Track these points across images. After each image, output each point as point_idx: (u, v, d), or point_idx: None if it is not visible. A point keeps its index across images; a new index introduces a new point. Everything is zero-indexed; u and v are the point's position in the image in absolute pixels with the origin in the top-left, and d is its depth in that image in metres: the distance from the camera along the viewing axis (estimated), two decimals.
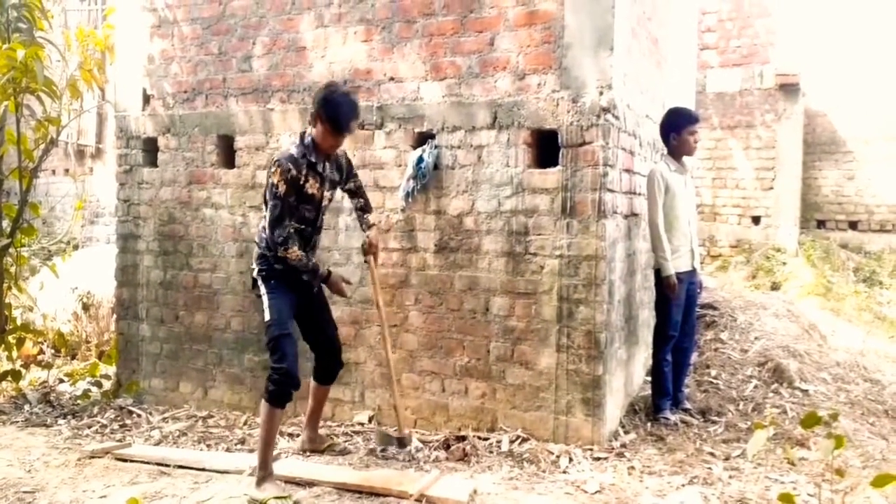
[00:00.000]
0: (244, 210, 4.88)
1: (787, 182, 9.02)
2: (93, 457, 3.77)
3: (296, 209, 3.46)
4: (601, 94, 3.85)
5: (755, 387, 4.53)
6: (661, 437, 3.98)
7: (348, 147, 4.52)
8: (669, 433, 4.03)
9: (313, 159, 3.47)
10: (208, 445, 4.23)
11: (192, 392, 5.05)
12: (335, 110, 3.38)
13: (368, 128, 4.45)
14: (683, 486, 3.30)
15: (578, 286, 3.91)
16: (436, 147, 4.22)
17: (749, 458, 3.36)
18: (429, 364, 4.29)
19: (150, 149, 5.26)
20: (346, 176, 3.80)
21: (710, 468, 3.48)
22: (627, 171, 4.30)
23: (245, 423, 4.61)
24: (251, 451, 4.08)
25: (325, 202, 3.63)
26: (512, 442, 3.91)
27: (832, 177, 9.73)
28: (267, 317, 3.46)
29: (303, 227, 3.52)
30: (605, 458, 3.70)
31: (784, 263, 8.14)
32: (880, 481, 2.51)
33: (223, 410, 4.86)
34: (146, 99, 5.28)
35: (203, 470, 3.56)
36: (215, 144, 4.99)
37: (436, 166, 4.22)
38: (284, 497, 3.07)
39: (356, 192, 3.92)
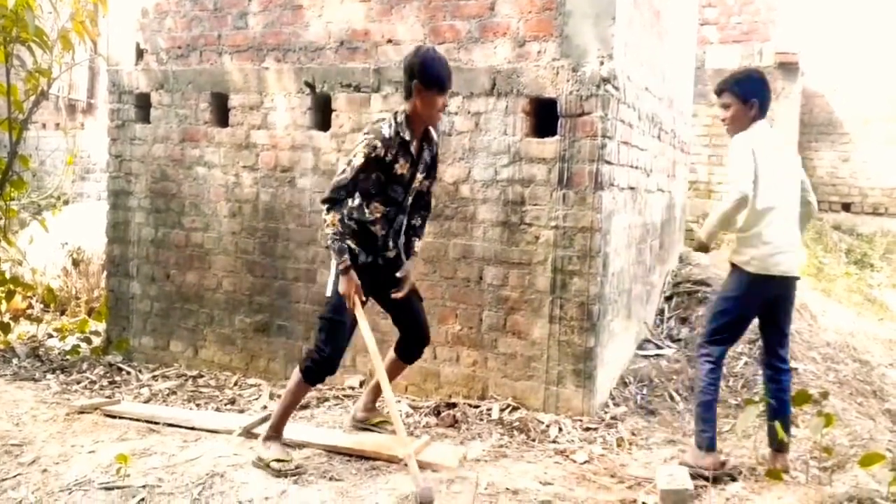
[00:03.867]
0: (237, 170, 4.81)
1: None
2: (81, 412, 3.76)
3: (383, 189, 3.16)
4: (602, 63, 3.80)
5: (745, 363, 4.56)
6: (652, 410, 4.01)
7: (344, 109, 4.46)
8: (659, 407, 4.06)
9: (407, 137, 3.14)
10: (198, 405, 4.23)
11: (182, 351, 5.04)
12: (434, 68, 3.08)
13: (365, 90, 4.38)
14: (672, 458, 3.33)
15: (573, 258, 3.90)
16: None
17: (738, 433, 3.39)
18: None
19: (143, 104, 5.17)
20: (430, 168, 3.34)
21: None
22: (626, 143, 4.25)
23: (235, 384, 4.61)
24: (241, 411, 4.09)
25: (415, 184, 3.25)
26: (502, 410, 3.93)
27: (827, 158, 9.72)
28: (328, 293, 3.23)
29: (388, 208, 3.21)
30: (595, 429, 3.72)
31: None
32: (867, 460, 2.55)
33: (213, 370, 4.85)
34: (139, 53, 5.17)
35: (192, 429, 3.55)
36: (209, 102, 4.91)
37: None
38: (287, 460, 3.05)
39: (421, 198, 3.36)
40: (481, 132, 4.11)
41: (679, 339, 4.93)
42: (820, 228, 9.02)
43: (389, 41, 4.33)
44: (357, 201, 3.19)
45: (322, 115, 4.60)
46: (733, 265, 3.22)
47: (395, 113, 3.19)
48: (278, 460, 3.05)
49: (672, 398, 4.17)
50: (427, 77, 3.06)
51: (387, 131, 3.11)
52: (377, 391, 3.56)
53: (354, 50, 4.43)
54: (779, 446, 3.11)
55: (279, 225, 4.69)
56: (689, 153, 7.28)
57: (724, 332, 3.20)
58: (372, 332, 4.34)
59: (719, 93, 3.33)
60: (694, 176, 8.86)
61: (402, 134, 3.12)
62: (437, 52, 3.19)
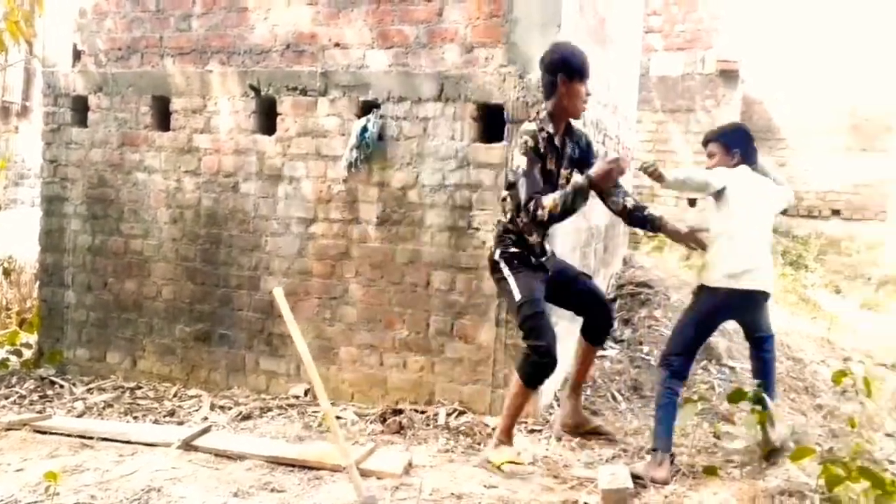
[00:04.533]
0: (179, 175, 4.70)
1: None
2: (9, 429, 3.60)
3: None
4: None
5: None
6: (594, 411, 4.06)
7: (290, 113, 4.41)
8: (602, 407, 4.12)
9: (551, 130, 3.22)
10: (135, 418, 4.10)
11: (119, 362, 4.88)
12: (576, 58, 3.21)
13: (311, 94, 4.34)
14: (614, 458, 3.39)
15: None
16: (381, 117, 4.15)
17: (677, 431, 3.46)
18: (367, 337, 4.26)
19: (80, 108, 5.01)
20: (578, 163, 3.37)
21: (640, 441, 3.57)
22: None
23: (175, 395, 4.49)
24: (181, 423, 3.99)
25: (562, 181, 3.27)
26: (449, 415, 3.93)
27: (767, 163, 10.04)
28: (517, 296, 3.18)
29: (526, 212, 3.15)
30: (539, 431, 3.76)
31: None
32: (798, 455, 2.64)
33: (152, 381, 4.71)
34: (77, 55, 5.00)
35: (128, 443, 3.43)
36: (150, 106, 4.79)
37: (380, 137, 4.15)
38: (519, 462, 3.13)
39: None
40: (429, 137, 4.12)
41: (622, 340, 5.02)
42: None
43: (337, 45, 4.30)
44: (513, 206, 3.24)
45: (267, 118, 4.54)
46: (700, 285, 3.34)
47: (537, 113, 3.32)
48: (512, 462, 3.14)
49: (614, 398, 4.24)
50: (571, 68, 3.18)
51: (533, 126, 3.21)
52: (579, 386, 3.59)
53: (301, 53, 4.39)
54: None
55: (222, 231, 4.60)
56: (634, 158, 7.43)
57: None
58: (318, 339, 4.34)
59: (706, 143, 3.54)
60: (638, 181, 9.05)
61: (545, 129, 3.21)
62: (573, 44, 3.33)
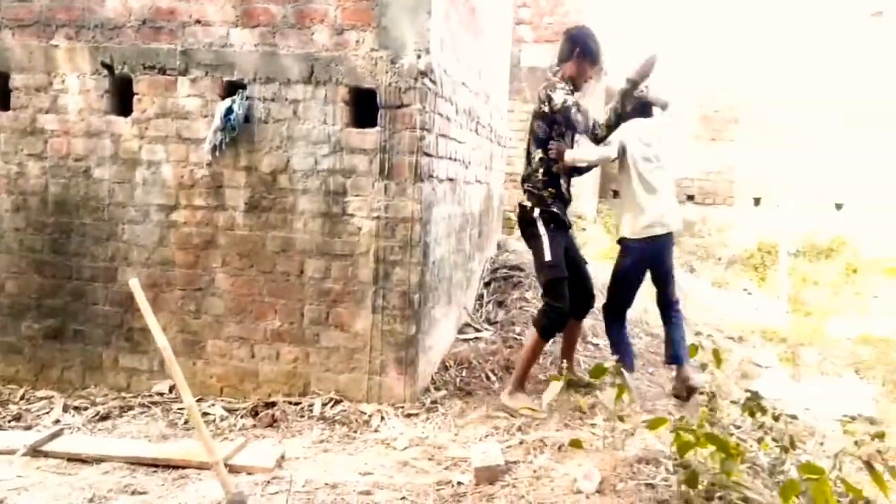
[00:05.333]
0: (21, 158, 4.29)
1: None
2: None
3: (568, 139, 3.80)
4: (419, 57, 3.84)
5: (554, 342, 4.87)
6: (469, 391, 4.15)
7: (147, 93, 4.14)
8: (477, 388, 4.21)
9: (571, 89, 3.74)
10: None
11: None
12: (593, 42, 3.76)
13: (171, 73, 4.09)
14: (487, 436, 3.48)
15: (395, 248, 3.93)
16: (247, 98, 3.98)
17: (544, 406, 3.61)
18: (237, 329, 4.10)
19: None
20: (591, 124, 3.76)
21: (511, 419, 3.69)
22: (444, 136, 4.35)
23: (22, 398, 4.11)
24: (28, 427, 3.67)
25: (573, 143, 3.91)
26: (324, 405, 3.87)
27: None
28: (548, 257, 3.67)
29: (555, 163, 3.79)
30: (417, 415, 3.79)
31: (584, 229, 8.80)
32: (654, 424, 2.82)
33: None
34: None
35: None
36: None
37: (247, 119, 3.98)
38: (535, 408, 3.56)
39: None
40: (300, 120, 4.00)
41: (496, 322, 5.16)
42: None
43: (198, 21, 4.07)
44: (541, 155, 3.79)
45: (122, 98, 4.22)
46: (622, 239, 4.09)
47: (555, 72, 3.83)
48: (528, 408, 3.60)
49: (488, 378, 4.35)
50: (587, 47, 3.75)
51: (564, 87, 3.72)
52: (570, 356, 4.12)
53: (159, 30, 4.12)
54: (674, 360, 4.13)
55: (73, 220, 4.25)
56: (506, 147, 7.62)
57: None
58: (183, 332, 4.13)
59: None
60: (511, 168, 9.30)
61: (567, 87, 3.72)
62: (595, 32, 3.88)
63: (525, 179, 3.93)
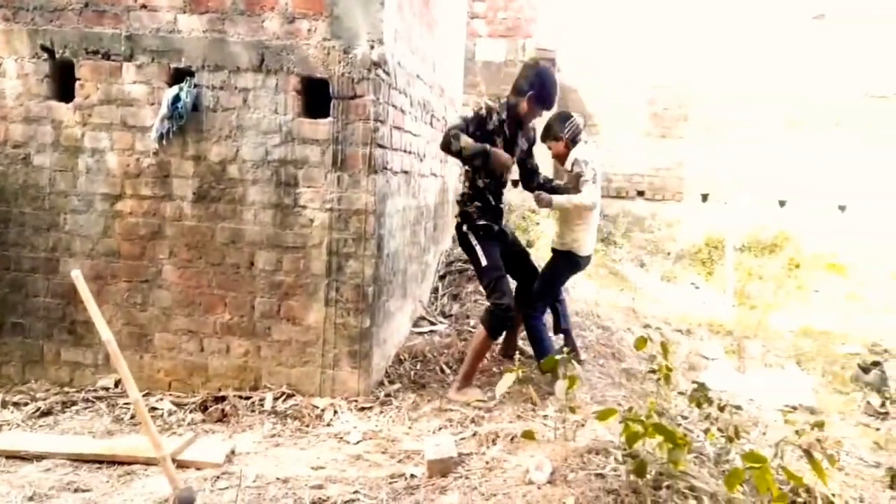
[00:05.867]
0: None
1: (536, 150, 9.76)
2: None
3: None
4: (372, 47, 3.81)
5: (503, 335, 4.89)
6: (424, 384, 4.15)
7: (90, 78, 4.00)
8: (431, 381, 4.21)
9: (504, 118, 3.88)
10: None
11: None
12: (548, 90, 3.86)
13: (115, 59, 3.96)
14: (440, 429, 3.48)
15: (348, 240, 3.89)
16: (195, 86, 3.88)
17: (497, 398, 3.64)
18: (185, 322, 4.00)
19: None
20: (528, 151, 4.20)
21: (465, 411, 3.70)
22: (398, 128, 4.33)
23: None
24: None
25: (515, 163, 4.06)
26: (276, 399, 3.82)
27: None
28: (484, 262, 3.88)
29: (489, 180, 3.96)
30: (370, 408, 3.77)
31: (537, 223, 8.89)
32: (603, 415, 2.86)
33: None
34: None
35: None
36: None
37: (195, 107, 3.88)
38: (484, 400, 3.69)
39: (531, 173, 4.29)
40: (250, 109, 3.92)
41: (451, 315, 5.17)
42: None
43: (144, 7, 3.95)
44: (467, 173, 4.00)
45: (64, 84, 4.07)
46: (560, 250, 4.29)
47: (499, 99, 3.96)
48: (479, 400, 3.75)
49: (443, 371, 4.35)
50: (542, 95, 3.85)
51: (494, 105, 3.89)
52: (514, 336, 4.47)
53: (102, 13, 3.98)
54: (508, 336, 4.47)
55: (11, 209, 4.09)
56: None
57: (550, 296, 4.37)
58: (129, 325, 4.02)
59: (544, 140, 4.31)
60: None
61: (502, 115, 3.88)
62: (555, 76, 4.01)
63: (459, 195, 4.14)
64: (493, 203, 4.02)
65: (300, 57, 3.85)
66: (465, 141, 3.70)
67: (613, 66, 10.59)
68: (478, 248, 3.92)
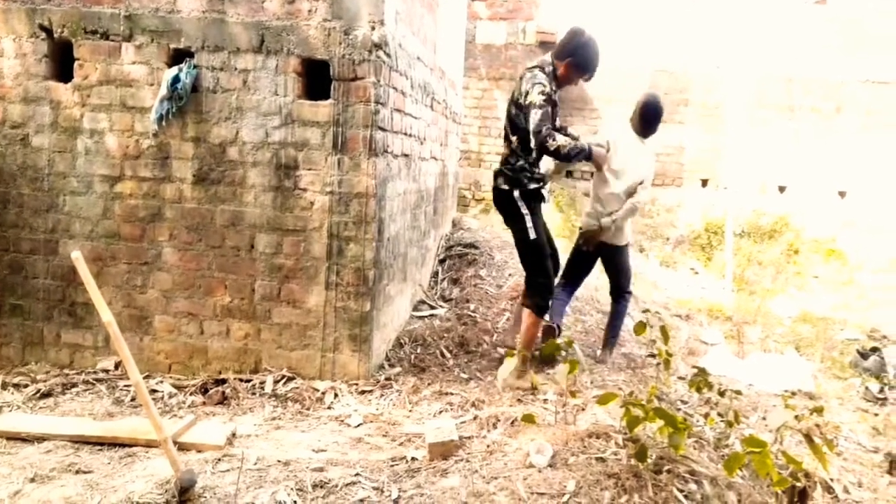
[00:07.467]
0: None
1: None
2: None
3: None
4: (373, 28, 3.77)
5: (508, 319, 4.91)
6: (424, 368, 4.16)
7: (89, 59, 3.96)
8: (431, 364, 4.22)
9: (554, 87, 3.85)
10: None
11: None
12: (590, 57, 3.88)
13: (115, 39, 3.91)
14: (441, 412, 3.49)
15: (349, 223, 3.87)
16: (195, 67, 3.85)
17: (499, 382, 3.64)
18: (186, 305, 4.00)
19: None
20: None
21: (465, 394, 3.71)
22: (399, 111, 4.30)
23: None
24: None
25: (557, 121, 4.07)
26: (276, 382, 3.82)
27: (580, 131, 10.69)
28: (533, 235, 3.84)
29: (536, 152, 3.87)
30: (371, 392, 3.77)
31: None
32: (604, 399, 2.87)
33: None
34: None
35: None
36: None
37: (195, 88, 3.85)
38: (545, 383, 3.69)
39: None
40: (250, 91, 3.89)
41: (451, 299, 5.17)
42: (573, 195, 10.00)
43: None
44: (520, 144, 3.87)
45: (63, 64, 4.03)
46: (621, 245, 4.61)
47: (544, 61, 3.92)
48: (542, 383, 3.74)
49: (443, 355, 4.36)
50: (584, 61, 3.87)
51: (545, 76, 3.83)
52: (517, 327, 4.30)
53: None
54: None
55: (10, 190, 4.06)
56: (461, 123, 7.59)
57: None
58: (129, 308, 4.01)
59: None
60: (466, 146, 9.29)
61: (552, 84, 3.84)
62: (597, 44, 3.95)
63: (503, 162, 4.04)
64: (539, 171, 4.02)
65: (300, 38, 3.81)
66: (562, 140, 3.74)
67: (614, 50, 10.51)
68: (528, 220, 3.87)
